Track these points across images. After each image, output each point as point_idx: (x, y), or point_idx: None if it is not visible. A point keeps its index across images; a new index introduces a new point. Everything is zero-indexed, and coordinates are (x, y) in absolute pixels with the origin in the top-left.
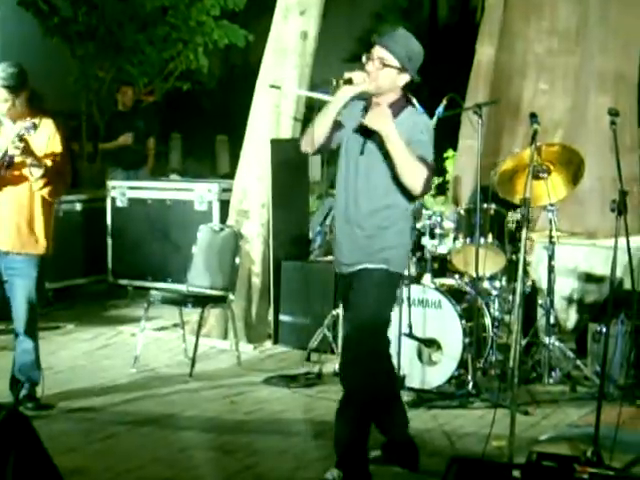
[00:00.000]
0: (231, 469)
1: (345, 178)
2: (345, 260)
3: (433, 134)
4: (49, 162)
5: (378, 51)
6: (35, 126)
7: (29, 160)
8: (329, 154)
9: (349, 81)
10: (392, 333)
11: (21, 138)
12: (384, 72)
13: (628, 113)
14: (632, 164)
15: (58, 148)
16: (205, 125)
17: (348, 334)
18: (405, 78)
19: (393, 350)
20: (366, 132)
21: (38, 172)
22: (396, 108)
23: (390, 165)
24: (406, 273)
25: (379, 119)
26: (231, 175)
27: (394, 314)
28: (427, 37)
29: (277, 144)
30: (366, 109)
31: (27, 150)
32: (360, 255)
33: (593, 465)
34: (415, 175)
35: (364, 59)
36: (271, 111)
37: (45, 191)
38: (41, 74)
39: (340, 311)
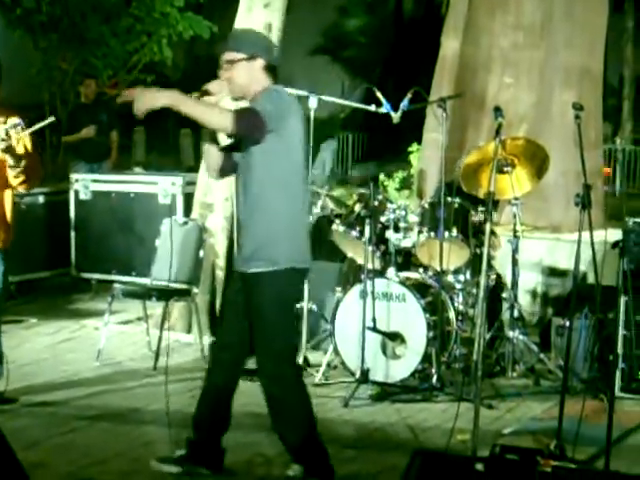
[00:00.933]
0: None
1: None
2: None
3: (283, 98)
4: (24, 158)
5: (224, 58)
6: (22, 125)
7: (10, 158)
8: None
9: (206, 92)
10: (356, 327)
11: (7, 135)
12: (236, 70)
13: (593, 108)
14: (596, 159)
15: (29, 143)
16: (169, 118)
17: None
18: (260, 63)
19: (357, 344)
20: None
21: (17, 169)
22: (255, 99)
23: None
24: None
25: (149, 99)
26: (195, 168)
27: (359, 307)
28: (392, 31)
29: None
30: None
31: (11, 148)
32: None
33: (556, 458)
34: (217, 117)
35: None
36: (235, 104)
37: (23, 186)
38: (3, 66)
39: (304, 304)
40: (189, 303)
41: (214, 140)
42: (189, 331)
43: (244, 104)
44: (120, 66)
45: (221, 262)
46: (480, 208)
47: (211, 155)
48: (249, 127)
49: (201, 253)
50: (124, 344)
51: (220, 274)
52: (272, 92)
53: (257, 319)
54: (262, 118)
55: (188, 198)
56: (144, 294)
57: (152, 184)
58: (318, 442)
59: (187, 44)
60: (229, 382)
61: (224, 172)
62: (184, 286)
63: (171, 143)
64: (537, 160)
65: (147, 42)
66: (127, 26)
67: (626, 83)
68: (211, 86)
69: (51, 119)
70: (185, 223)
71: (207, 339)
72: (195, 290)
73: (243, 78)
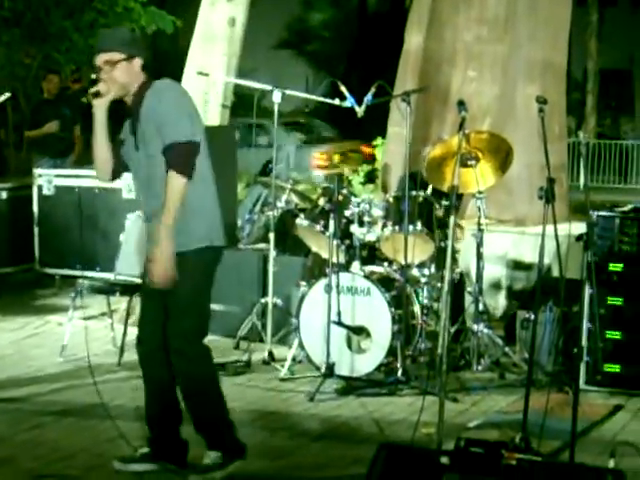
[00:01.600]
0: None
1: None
2: None
3: (174, 89)
4: None
5: (100, 58)
6: None
7: None
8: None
9: (97, 94)
10: (321, 321)
11: None
12: (117, 70)
13: (556, 102)
14: (560, 152)
15: None
16: None
17: None
18: (138, 62)
19: (322, 338)
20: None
21: None
22: (138, 97)
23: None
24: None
25: (160, 275)
26: None
27: (324, 302)
28: (356, 25)
29: (205, 131)
30: (129, 114)
31: None
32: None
33: (521, 451)
34: (179, 194)
35: (93, 76)
36: (199, 98)
37: None
38: None
39: (269, 299)
40: None
41: (104, 154)
42: None
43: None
44: (84, 61)
45: None
46: (444, 202)
47: (101, 149)
48: (190, 162)
49: None
50: (88, 339)
51: None
52: (158, 92)
53: (171, 296)
54: (190, 146)
55: None
56: (108, 289)
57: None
58: (228, 422)
59: (150, 39)
60: (164, 373)
61: (116, 173)
62: None
63: None
64: (501, 154)
65: None
66: (90, 20)
67: (590, 77)
68: (100, 87)
69: (7, 95)
70: None
71: None
72: None
73: (124, 78)
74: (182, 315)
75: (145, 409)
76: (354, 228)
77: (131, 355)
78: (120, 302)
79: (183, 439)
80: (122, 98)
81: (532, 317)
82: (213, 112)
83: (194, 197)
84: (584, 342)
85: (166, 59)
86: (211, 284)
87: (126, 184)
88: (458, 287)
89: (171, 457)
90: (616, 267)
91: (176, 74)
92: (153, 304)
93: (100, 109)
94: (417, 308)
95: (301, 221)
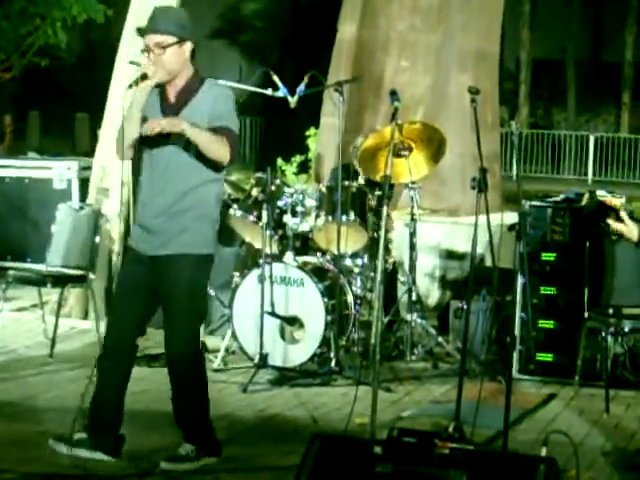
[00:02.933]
0: None
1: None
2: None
3: (233, 99)
4: None
5: (151, 39)
6: None
7: None
8: None
9: (145, 76)
10: (254, 311)
11: None
12: (168, 54)
13: (489, 92)
14: (493, 142)
15: None
16: (64, 102)
17: None
18: (189, 47)
19: (255, 329)
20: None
21: None
22: (193, 86)
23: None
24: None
25: (168, 125)
26: (91, 153)
27: (257, 292)
28: (290, 14)
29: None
30: (162, 96)
31: None
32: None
33: (454, 440)
34: (219, 151)
35: (142, 55)
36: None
37: None
38: None
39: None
40: (85, 289)
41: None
42: (86, 317)
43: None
44: (13, 49)
45: (117, 247)
46: (377, 192)
47: (135, 129)
48: (234, 156)
49: (97, 239)
50: (19, 331)
51: (116, 259)
52: (223, 92)
53: (169, 298)
54: (236, 139)
55: (84, 183)
56: (39, 280)
57: (47, 169)
58: (209, 422)
59: (82, 28)
60: (121, 380)
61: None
62: (80, 272)
63: (66, 127)
64: (434, 144)
65: (41, 25)
66: (19, 9)
67: (522, 67)
68: (148, 70)
69: None
70: (81, 208)
71: (104, 325)
72: (91, 276)
73: (176, 63)
74: (181, 317)
75: (94, 398)
76: (287, 218)
77: (63, 347)
78: (51, 294)
79: (120, 433)
80: (166, 83)
81: (465, 307)
82: None
83: (211, 200)
84: (517, 331)
85: (99, 49)
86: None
87: (57, 173)
88: (391, 277)
89: (106, 448)
90: (548, 257)
91: (108, 64)
92: (131, 304)
93: (143, 92)
94: (350, 298)
95: (234, 211)
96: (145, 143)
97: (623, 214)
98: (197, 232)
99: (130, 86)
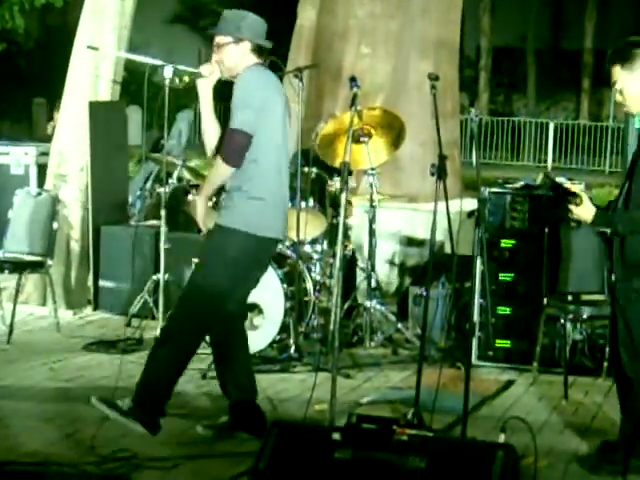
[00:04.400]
0: (51, 437)
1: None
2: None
3: (258, 82)
4: None
5: (215, 40)
6: None
7: None
8: (149, 117)
9: (199, 75)
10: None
11: None
12: (224, 53)
13: (449, 78)
14: (453, 129)
15: None
16: (22, 87)
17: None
18: (245, 46)
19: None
20: None
21: None
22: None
23: None
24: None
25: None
26: (49, 138)
27: None
28: (250, 1)
29: (95, 107)
30: None
31: None
32: None
33: (413, 427)
34: (222, 175)
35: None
36: (89, 73)
37: None
38: None
39: (161, 276)
40: (43, 276)
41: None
42: (44, 304)
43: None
44: None
45: (75, 234)
46: (337, 178)
47: (210, 127)
48: (241, 156)
49: (55, 225)
50: None
51: (75, 246)
52: (253, 72)
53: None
54: (244, 137)
55: (42, 169)
56: None
57: (4, 154)
58: (164, 398)
59: (40, 12)
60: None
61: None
62: (38, 258)
63: (24, 112)
64: (394, 130)
65: None
66: None
67: (483, 54)
68: (203, 69)
69: None
70: (39, 194)
71: (63, 312)
72: (49, 262)
73: (231, 61)
74: (190, 289)
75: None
76: None
77: (21, 333)
78: (9, 280)
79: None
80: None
81: (424, 293)
82: (104, 88)
83: (251, 177)
84: (476, 318)
85: (57, 34)
86: (238, 273)
87: (15, 159)
88: (351, 263)
89: (248, 426)
90: (507, 243)
91: (66, 49)
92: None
93: (202, 88)
94: (309, 285)
95: (193, 197)
96: None
97: (583, 196)
98: (233, 208)
99: (178, 84)
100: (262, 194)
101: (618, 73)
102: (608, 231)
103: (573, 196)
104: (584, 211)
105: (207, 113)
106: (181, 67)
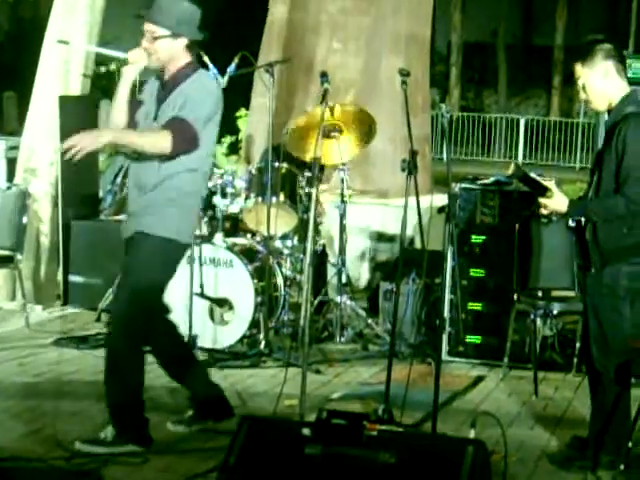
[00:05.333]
0: (19, 432)
1: None
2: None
3: (215, 93)
4: None
5: (147, 26)
6: None
7: None
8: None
9: (125, 62)
10: (183, 293)
11: None
12: (157, 45)
13: (420, 74)
14: (423, 124)
15: None
16: None
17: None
18: (182, 42)
19: (184, 310)
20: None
21: None
22: (184, 73)
23: None
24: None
25: (93, 139)
26: (19, 132)
27: (186, 273)
28: None
29: (66, 101)
30: (162, 84)
31: None
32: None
33: (383, 422)
34: (157, 145)
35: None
36: (59, 67)
37: None
38: None
39: None
40: (12, 270)
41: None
42: (13, 299)
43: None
44: None
45: (45, 228)
46: (307, 173)
47: (118, 110)
48: (185, 143)
49: (25, 219)
50: None
51: (44, 240)
52: (206, 85)
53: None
54: (194, 129)
55: (11, 163)
56: None
57: None
58: (139, 409)
59: (10, 6)
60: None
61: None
62: (7, 253)
63: None
64: (364, 125)
65: None
66: None
67: (454, 50)
68: (130, 55)
69: None
70: (8, 188)
71: (32, 307)
72: (19, 257)
73: (164, 54)
74: (123, 293)
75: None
76: (217, 199)
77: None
78: None
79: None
80: (161, 68)
81: (395, 289)
82: (74, 82)
83: (185, 186)
84: (446, 313)
85: (27, 27)
86: (165, 279)
87: None
88: (321, 259)
89: (215, 413)
90: (478, 239)
91: (37, 43)
92: None
93: (127, 74)
94: (280, 280)
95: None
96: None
97: (552, 186)
98: (158, 214)
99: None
100: (192, 202)
101: (580, 70)
102: (583, 220)
103: (543, 189)
104: (557, 202)
105: (122, 101)
106: (108, 52)
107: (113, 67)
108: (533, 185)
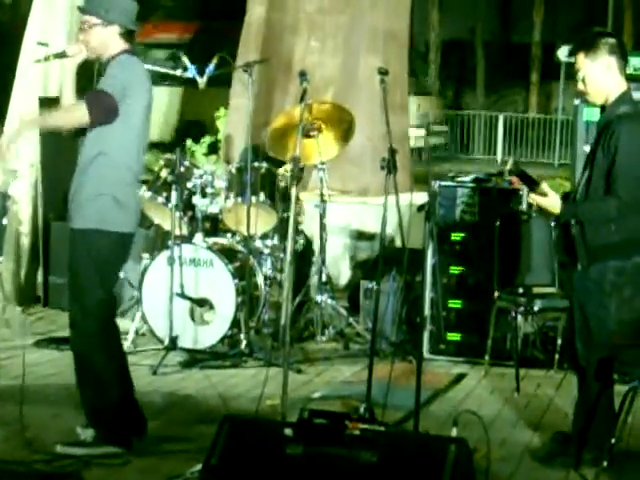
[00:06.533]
0: None
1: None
2: None
3: (136, 70)
4: None
5: (81, 18)
6: None
7: None
8: None
9: (63, 54)
10: (164, 293)
11: None
12: (91, 34)
13: (399, 72)
14: (402, 123)
15: None
16: None
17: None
18: (114, 29)
19: (164, 310)
20: None
21: None
22: (113, 61)
23: None
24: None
25: (14, 136)
26: None
27: (166, 274)
28: None
29: (45, 103)
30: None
31: None
32: None
33: (365, 421)
34: (74, 117)
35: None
36: (39, 69)
37: None
38: None
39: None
40: None
41: None
42: None
43: None
44: None
45: (25, 229)
46: (287, 173)
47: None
48: (105, 113)
49: (4, 220)
50: None
51: (25, 241)
52: (123, 62)
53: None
54: (113, 98)
55: None
56: None
57: None
58: (120, 410)
59: None
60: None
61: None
62: None
63: None
64: (343, 124)
65: None
66: None
67: (432, 48)
68: (69, 49)
69: None
70: None
71: (12, 308)
72: None
73: (97, 42)
74: (74, 292)
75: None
76: (197, 200)
77: None
78: None
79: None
80: (98, 60)
81: (375, 287)
82: (54, 83)
83: (108, 182)
84: (427, 311)
85: (6, 28)
86: (105, 269)
87: None
88: (302, 258)
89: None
90: (458, 237)
91: (16, 44)
92: None
93: (69, 67)
94: (260, 279)
95: (143, 193)
96: None
97: (544, 186)
98: (85, 207)
99: (38, 61)
100: (112, 191)
101: (582, 61)
102: (573, 222)
103: (536, 185)
104: (551, 202)
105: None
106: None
107: (51, 58)
108: (529, 182)
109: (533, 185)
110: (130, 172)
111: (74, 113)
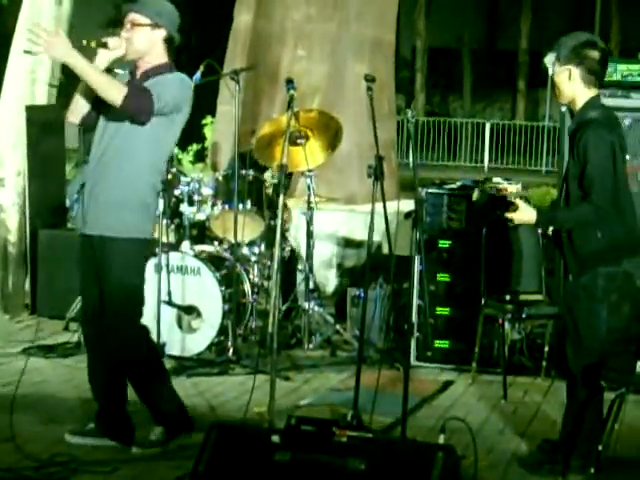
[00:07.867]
0: None
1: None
2: None
3: (187, 86)
4: None
5: (128, 17)
6: None
7: None
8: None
9: (104, 45)
10: (151, 301)
11: None
12: (136, 33)
13: (385, 80)
14: (389, 130)
15: None
16: None
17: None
18: (161, 33)
19: (152, 318)
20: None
21: None
22: (159, 70)
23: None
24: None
25: (53, 46)
26: None
27: (154, 281)
28: (187, 3)
29: (32, 111)
30: (132, 76)
31: None
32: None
33: (353, 428)
34: (110, 88)
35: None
36: (26, 77)
37: None
38: None
39: None
40: None
41: (87, 95)
42: None
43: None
44: None
45: (13, 237)
46: (274, 180)
47: (86, 92)
48: (137, 108)
49: None
50: None
51: (12, 249)
52: (178, 80)
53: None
54: (153, 103)
55: None
56: None
57: None
58: (177, 400)
59: None
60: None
61: (90, 119)
62: None
63: None
64: (330, 132)
65: None
66: None
67: (419, 55)
68: (110, 40)
69: None
70: None
71: (0, 316)
72: None
73: (142, 44)
74: (110, 297)
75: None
76: (184, 207)
77: None
78: None
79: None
80: (135, 61)
81: (362, 294)
82: (40, 91)
83: (141, 187)
84: (414, 318)
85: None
86: (140, 274)
87: None
88: (289, 265)
89: (115, 434)
90: (445, 244)
91: (3, 53)
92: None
93: (101, 58)
94: (247, 287)
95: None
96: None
97: (517, 201)
98: (118, 217)
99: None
100: (149, 200)
101: (550, 61)
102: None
103: (508, 204)
104: (524, 215)
105: (91, 77)
106: (118, 70)
107: (93, 44)
108: (499, 204)
109: (503, 204)
110: (160, 177)
111: (113, 85)
